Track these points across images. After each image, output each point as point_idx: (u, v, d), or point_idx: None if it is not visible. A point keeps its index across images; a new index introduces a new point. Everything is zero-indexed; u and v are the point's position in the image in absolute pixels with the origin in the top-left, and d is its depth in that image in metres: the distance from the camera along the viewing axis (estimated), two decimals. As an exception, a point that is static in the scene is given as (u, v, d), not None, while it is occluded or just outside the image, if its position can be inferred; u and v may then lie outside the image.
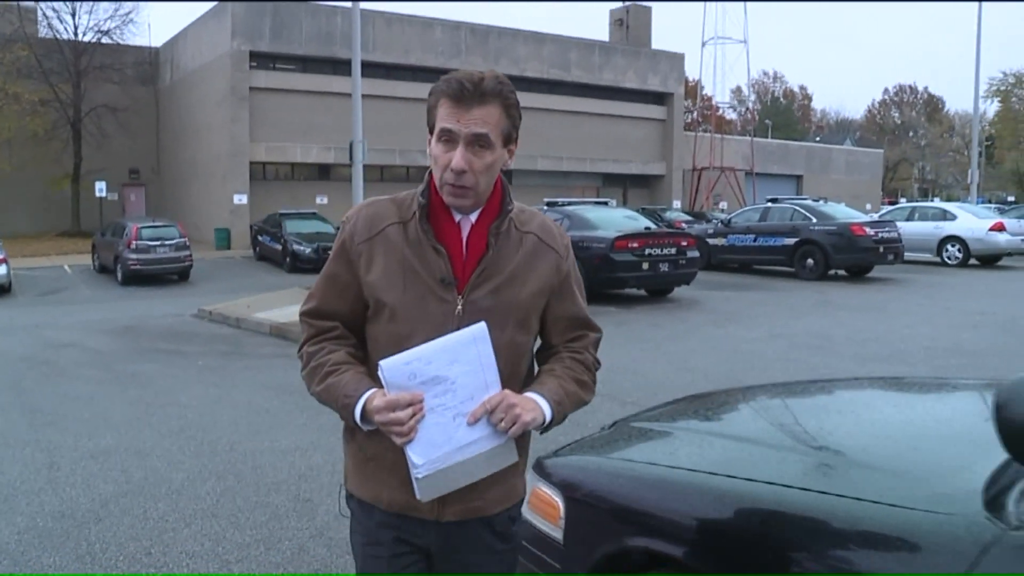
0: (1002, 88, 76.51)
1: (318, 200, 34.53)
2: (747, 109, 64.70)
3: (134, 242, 21.71)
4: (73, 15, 39.48)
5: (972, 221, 22.99)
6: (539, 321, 2.09)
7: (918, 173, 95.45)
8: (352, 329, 2.06)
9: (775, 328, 12.39)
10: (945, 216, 23.73)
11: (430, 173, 1.98)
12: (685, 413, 3.27)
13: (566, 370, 2.06)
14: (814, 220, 19.63)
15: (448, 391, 1.83)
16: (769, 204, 21.43)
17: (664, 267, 15.00)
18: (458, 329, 1.88)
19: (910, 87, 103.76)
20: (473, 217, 1.99)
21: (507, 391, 1.89)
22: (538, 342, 2.18)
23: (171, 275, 22.50)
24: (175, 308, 16.55)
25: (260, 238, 28.09)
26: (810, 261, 19.41)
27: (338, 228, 2.10)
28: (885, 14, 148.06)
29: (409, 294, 1.95)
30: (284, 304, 15.30)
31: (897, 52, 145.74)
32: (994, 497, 1.98)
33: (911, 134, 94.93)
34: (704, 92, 60.53)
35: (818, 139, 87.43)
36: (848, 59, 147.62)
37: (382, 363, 1.82)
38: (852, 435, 2.67)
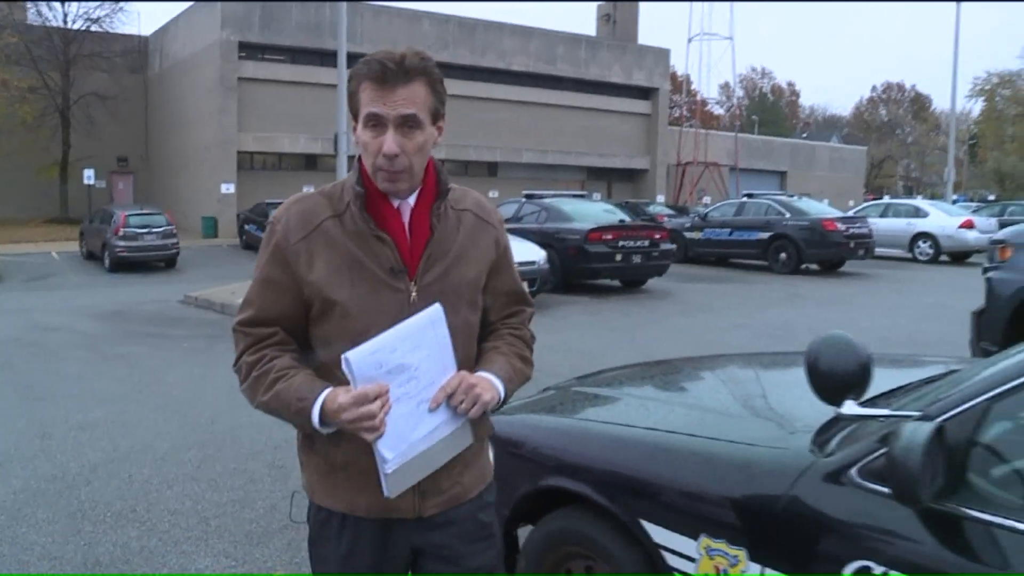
0: (986, 88, 77.35)
1: (305, 190, 34.34)
2: (733, 105, 65.31)
3: (122, 229, 22.06)
4: (62, 3, 39.76)
5: (943, 218, 23.54)
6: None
7: (903, 170, 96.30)
8: (292, 333, 1.96)
9: (740, 319, 12.88)
10: (917, 213, 24.31)
11: (360, 160, 1.93)
12: (607, 380, 3.74)
13: (509, 347, 2.07)
14: (787, 215, 20.15)
15: (412, 378, 1.80)
16: (744, 199, 21.95)
17: (637, 259, 15.48)
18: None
19: (898, 85, 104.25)
20: (411, 200, 1.94)
21: (463, 372, 1.88)
22: None
23: (158, 262, 22.87)
24: (162, 294, 16.94)
25: (247, 227, 28.46)
26: (783, 255, 19.93)
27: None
28: (875, 12, 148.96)
29: (359, 288, 1.88)
30: (268, 291, 15.72)
31: (886, 50, 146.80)
32: (825, 437, 2.45)
33: (898, 132, 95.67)
34: (693, 87, 61.13)
35: (805, 136, 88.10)
36: (838, 57, 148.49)
37: (348, 355, 1.73)
38: (733, 394, 3.15)
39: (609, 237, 15.15)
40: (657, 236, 15.96)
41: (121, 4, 43.73)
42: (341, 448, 1.90)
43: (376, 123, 1.82)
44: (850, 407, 2.18)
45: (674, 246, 17.41)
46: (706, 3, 65.57)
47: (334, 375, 1.83)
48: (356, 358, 1.73)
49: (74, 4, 40.89)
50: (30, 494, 5.38)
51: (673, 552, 2.52)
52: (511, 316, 2.14)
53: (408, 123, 1.82)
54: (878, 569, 2.03)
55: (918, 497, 1.86)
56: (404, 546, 2.00)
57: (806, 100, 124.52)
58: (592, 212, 16.52)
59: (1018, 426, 2.10)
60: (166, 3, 63.70)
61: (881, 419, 2.16)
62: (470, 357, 2.00)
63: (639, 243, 15.50)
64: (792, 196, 22.55)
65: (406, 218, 1.93)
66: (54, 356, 10.34)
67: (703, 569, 2.41)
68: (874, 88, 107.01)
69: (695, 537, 2.46)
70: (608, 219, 16.06)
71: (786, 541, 2.24)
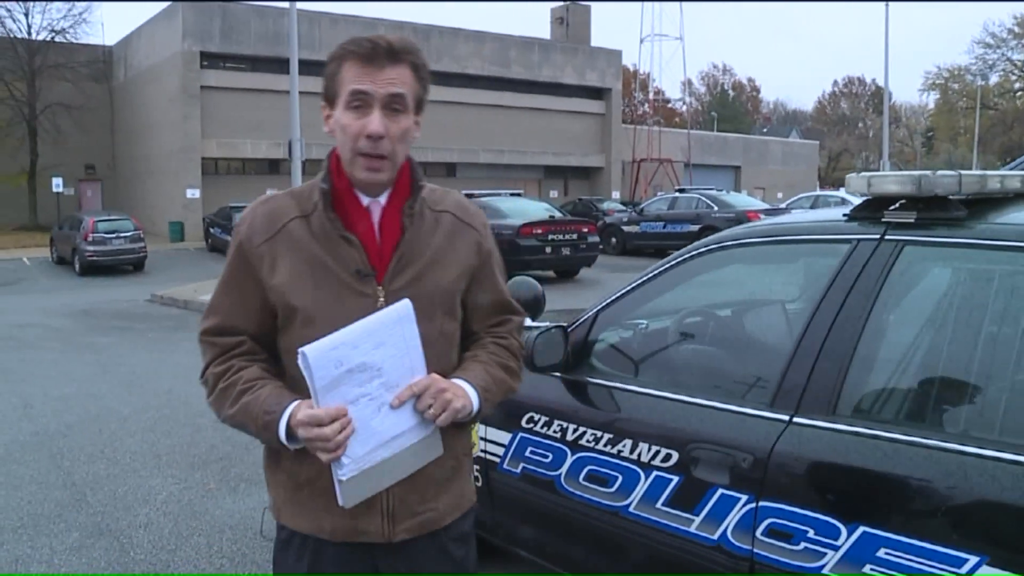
0: (937, 82, 79.87)
1: (268, 193, 35.76)
2: (685, 103, 67.25)
3: (91, 235, 23.27)
4: (26, 14, 40.61)
5: (866, 208, 25.22)
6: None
7: (862, 163, 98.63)
8: (261, 343, 1.84)
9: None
10: (844, 204, 25.96)
11: (330, 156, 1.83)
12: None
13: (491, 356, 1.93)
14: (715, 208, 21.72)
15: (373, 378, 1.66)
16: (676, 194, 23.50)
17: (566, 251, 16.96)
18: None
19: (859, 79, 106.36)
20: (383, 199, 1.82)
21: (435, 375, 1.74)
22: None
23: (126, 265, 24.09)
24: (130, 294, 18.21)
25: (212, 230, 29.69)
26: (712, 245, 21.40)
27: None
28: (832, 9, 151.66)
29: (322, 293, 1.76)
30: (228, 288, 17.03)
31: (848, 45, 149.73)
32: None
33: (860, 125, 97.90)
34: (656, 85, 62.82)
35: (765, 130, 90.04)
36: (799, 53, 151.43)
37: (305, 349, 1.60)
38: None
39: (539, 231, 16.61)
40: (585, 229, 17.46)
41: (84, 14, 44.54)
42: (306, 464, 1.76)
43: (361, 103, 1.72)
44: (527, 322, 3.58)
45: (610, 239, 18.84)
46: (656, 3, 67.36)
47: (303, 387, 1.71)
48: (314, 354, 1.62)
49: (38, 16, 41.49)
50: (17, 445, 6.71)
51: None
52: (497, 325, 2.01)
53: (395, 103, 1.73)
54: (538, 416, 3.42)
55: (533, 366, 3.25)
56: (367, 569, 1.88)
57: (769, 95, 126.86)
58: (526, 209, 17.98)
59: (611, 325, 3.50)
60: (130, 3, 63.91)
61: (546, 327, 3.56)
62: (447, 369, 1.84)
63: (568, 236, 16.98)
64: (721, 191, 24.12)
65: (376, 218, 1.82)
66: (30, 347, 11.62)
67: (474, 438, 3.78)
68: (835, 83, 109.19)
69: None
70: (540, 215, 17.52)
71: (501, 410, 3.62)
